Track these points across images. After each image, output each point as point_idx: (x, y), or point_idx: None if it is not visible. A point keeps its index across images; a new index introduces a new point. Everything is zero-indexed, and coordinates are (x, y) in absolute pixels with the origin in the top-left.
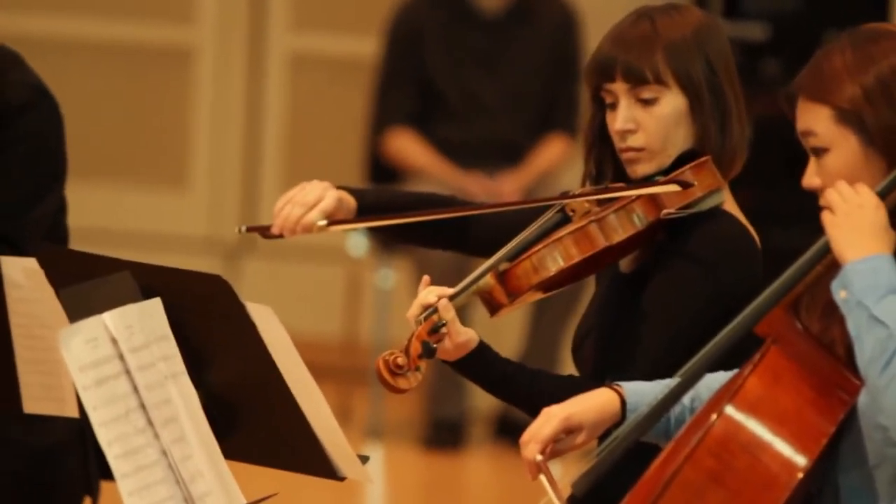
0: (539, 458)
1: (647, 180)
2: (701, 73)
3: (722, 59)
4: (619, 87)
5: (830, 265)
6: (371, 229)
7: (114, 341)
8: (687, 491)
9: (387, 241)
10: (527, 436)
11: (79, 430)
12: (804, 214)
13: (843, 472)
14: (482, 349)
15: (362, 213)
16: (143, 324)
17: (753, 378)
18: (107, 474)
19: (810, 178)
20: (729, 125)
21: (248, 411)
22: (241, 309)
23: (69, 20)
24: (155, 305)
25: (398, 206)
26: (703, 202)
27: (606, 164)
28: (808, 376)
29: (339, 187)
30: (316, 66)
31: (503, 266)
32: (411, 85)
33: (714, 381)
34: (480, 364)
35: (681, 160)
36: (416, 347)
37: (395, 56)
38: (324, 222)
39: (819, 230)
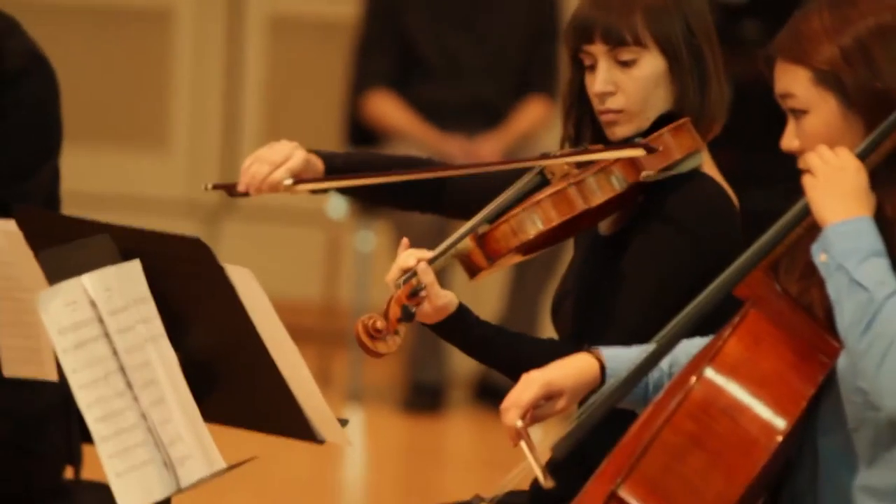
0: (520, 423)
1: (627, 142)
2: (680, 34)
3: (701, 21)
4: (597, 48)
5: (810, 227)
6: (344, 191)
7: (93, 304)
8: (667, 453)
9: (363, 203)
10: (507, 402)
11: (63, 398)
12: (783, 176)
13: (823, 434)
14: (462, 312)
15: (331, 174)
16: (122, 286)
17: (733, 341)
18: (88, 437)
19: (789, 140)
20: (708, 87)
21: (227, 374)
22: (221, 271)
23: None
24: (134, 268)
25: (368, 168)
26: (682, 164)
27: (585, 126)
28: (787, 339)
29: (310, 151)
30: (295, 27)
31: (482, 229)
32: (391, 47)
33: (692, 346)
34: (460, 327)
35: (660, 122)
36: (395, 311)
37: (374, 18)
38: (290, 181)
39: (798, 192)
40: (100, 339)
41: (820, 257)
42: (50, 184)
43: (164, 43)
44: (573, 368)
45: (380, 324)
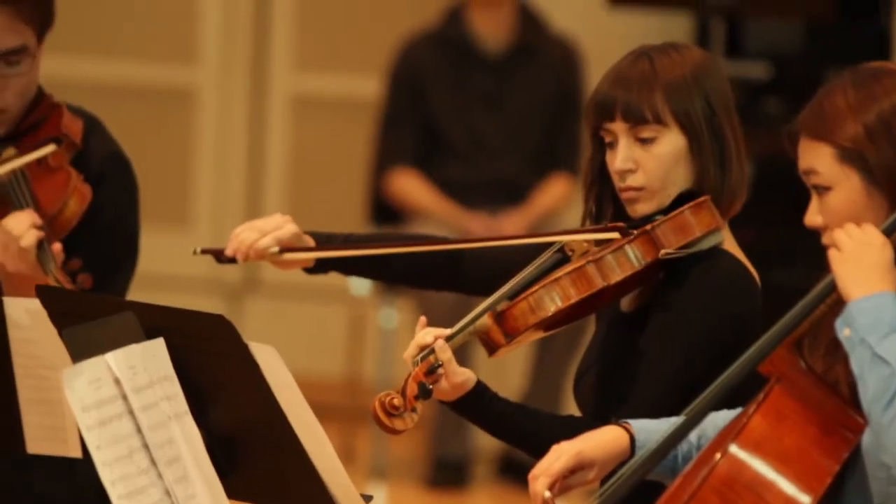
0: (548, 494)
1: (648, 220)
2: (700, 112)
3: (721, 99)
4: (618, 126)
5: (834, 304)
6: (349, 269)
7: (117, 381)
8: None
9: (376, 279)
10: (537, 470)
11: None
12: (806, 253)
13: None
14: (480, 389)
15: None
16: (146, 364)
17: (757, 417)
18: None
19: (812, 217)
20: (728, 164)
21: (251, 451)
22: (244, 349)
23: (71, 61)
24: (158, 345)
25: (364, 245)
26: (702, 242)
27: (606, 203)
28: (812, 415)
29: (307, 232)
30: (318, 106)
31: (501, 306)
32: (414, 125)
33: (720, 418)
34: (478, 404)
35: (680, 199)
36: (412, 388)
37: (397, 96)
38: (276, 249)
39: (821, 269)
40: (124, 416)
41: (844, 332)
42: (129, 284)
43: (187, 121)
44: (604, 440)
45: (397, 401)
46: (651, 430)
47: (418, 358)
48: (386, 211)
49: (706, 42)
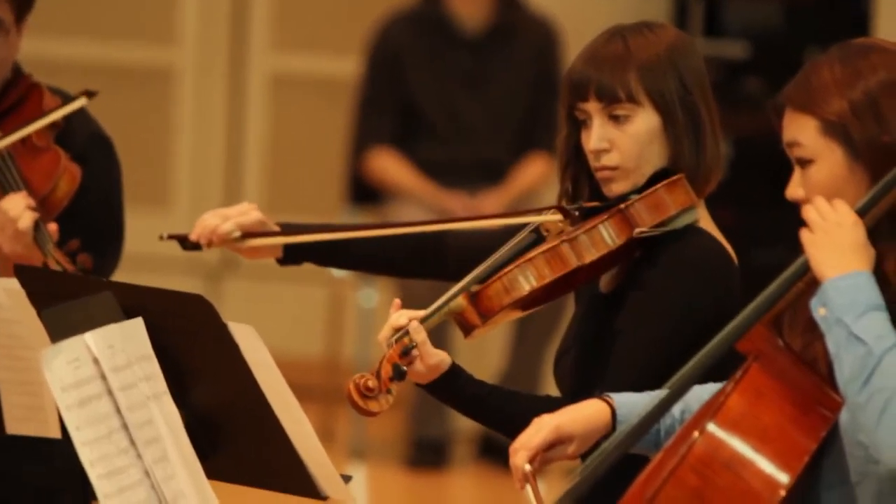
0: (528, 467)
1: (623, 199)
2: (674, 90)
3: (696, 77)
4: (592, 105)
5: (811, 282)
6: (324, 258)
7: (96, 361)
8: None
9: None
10: (516, 444)
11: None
12: (785, 232)
13: (826, 489)
14: (454, 371)
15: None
16: (125, 344)
17: (735, 395)
18: (94, 495)
19: (794, 190)
20: (703, 143)
21: (230, 431)
22: (224, 329)
23: (50, 41)
24: (137, 325)
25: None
26: (676, 220)
27: (582, 182)
28: (789, 393)
29: (279, 223)
30: (297, 86)
31: (475, 287)
32: (392, 104)
33: (704, 392)
34: (453, 386)
35: (655, 178)
36: (386, 370)
37: (375, 76)
38: (238, 234)
39: (799, 248)
40: (103, 396)
41: (819, 312)
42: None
43: (166, 101)
44: (584, 413)
45: (371, 383)
46: (633, 403)
47: (393, 340)
48: (365, 191)
49: (685, 21)
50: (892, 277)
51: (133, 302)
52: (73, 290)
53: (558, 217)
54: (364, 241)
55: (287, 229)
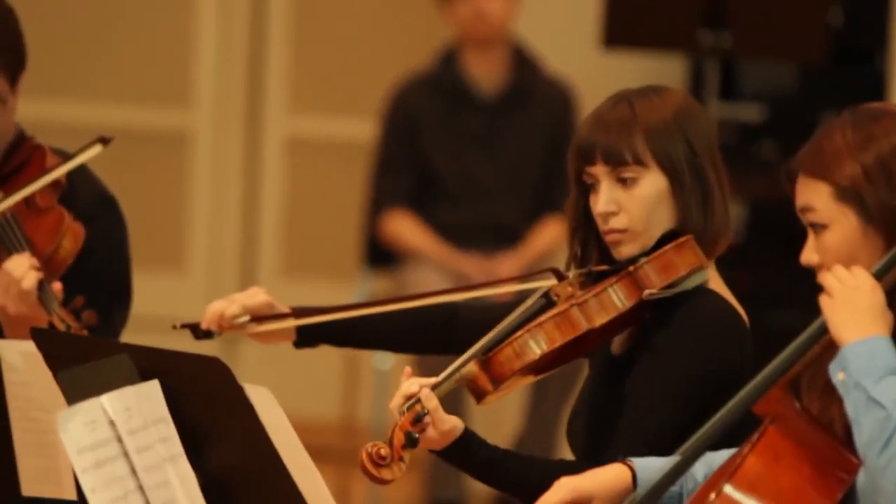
0: None
1: (632, 261)
2: (681, 153)
3: (703, 140)
4: (599, 169)
5: (828, 346)
6: (338, 339)
7: (112, 423)
8: None
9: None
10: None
11: None
12: (800, 295)
13: None
14: (468, 436)
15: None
16: (141, 406)
17: (752, 457)
18: None
19: (809, 255)
20: (711, 205)
21: (246, 493)
22: (239, 391)
23: (65, 105)
24: (153, 387)
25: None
26: (686, 281)
27: (591, 246)
28: (806, 455)
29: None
30: (313, 149)
31: (486, 353)
32: (408, 167)
33: (717, 458)
34: (466, 452)
35: (664, 240)
36: (399, 438)
37: (391, 139)
38: (246, 317)
39: (816, 311)
40: (119, 458)
41: (838, 376)
42: (124, 323)
43: (182, 164)
44: (605, 477)
45: (384, 451)
46: (654, 468)
47: (404, 408)
48: (381, 254)
49: (700, 84)
50: None
51: (149, 364)
52: (90, 352)
53: (553, 281)
54: (377, 319)
55: (298, 311)
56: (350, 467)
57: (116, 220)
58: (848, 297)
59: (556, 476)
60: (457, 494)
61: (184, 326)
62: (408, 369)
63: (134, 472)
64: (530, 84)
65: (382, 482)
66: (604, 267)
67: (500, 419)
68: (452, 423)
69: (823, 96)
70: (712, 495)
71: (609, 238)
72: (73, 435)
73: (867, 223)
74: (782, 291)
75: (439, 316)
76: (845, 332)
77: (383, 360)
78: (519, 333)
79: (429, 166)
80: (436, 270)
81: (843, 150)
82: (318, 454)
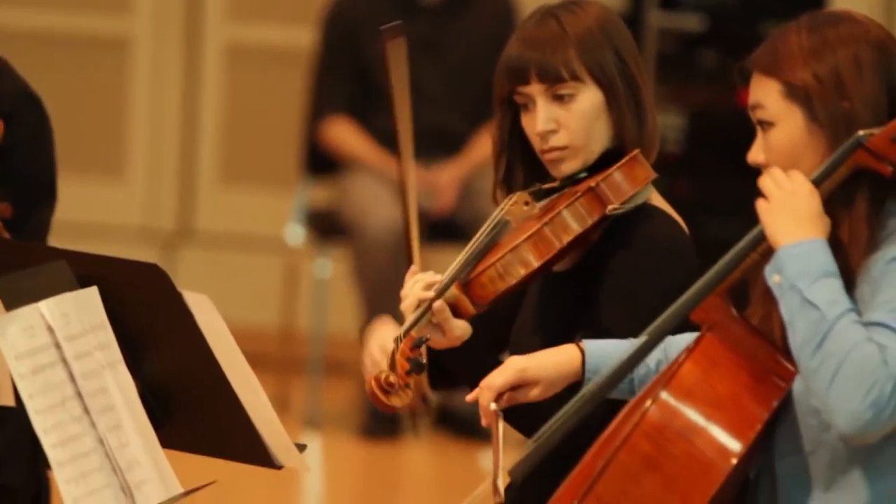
0: (493, 406)
1: (573, 178)
2: (613, 64)
3: (629, 49)
4: (534, 88)
5: (766, 253)
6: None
7: (50, 329)
8: (623, 475)
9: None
10: (482, 383)
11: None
12: (740, 204)
13: (780, 458)
14: (473, 343)
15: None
16: (80, 312)
17: (688, 364)
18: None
19: (755, 154)
20: (644, 115)
21: (185, 400)
22: (178, 298)
23: (3, 9)
24: (91, 294)
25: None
26: (639, 196)
27: (516, 169)
28: (743, 363)
29: None
30: (252, 56)
31: (466, 276)
32: (348, 74)
33: (683, 340)
34: (473, 355)
35: (605, 157)
36: (402, 365)
37: (331, 45)
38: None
39: (754, 219)
40: (57, 364)
41: (773, 279)
42: (49, 222)
43: (121, 71)
44: (554, 359)
45: (392, 378)
46: (608, 353)
47: (417, 319)
48: (321, 161)
49: None
50: (846, 245)
51: (88, 271)
52: (27, 258)
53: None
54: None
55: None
56: (289, 375)
57: (39, 117)
58: (784, 201)
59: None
60: None
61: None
62: (413, 268)
63: (72, 378)
64: None
65: (391, 409)
66: (554, 184)
67: None
68: (463, 329)
69: (764, 6)
70: (648, 402)
71: (549, 157)
72: (10, 341)
73: (813, 123)
74: (721, 201)
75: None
76: (781, 235)
77: (323, 268)
78: (500, 255)
79: (369, 72)
80: (376, 178)
81: (796, 50)
82: (258, 361)
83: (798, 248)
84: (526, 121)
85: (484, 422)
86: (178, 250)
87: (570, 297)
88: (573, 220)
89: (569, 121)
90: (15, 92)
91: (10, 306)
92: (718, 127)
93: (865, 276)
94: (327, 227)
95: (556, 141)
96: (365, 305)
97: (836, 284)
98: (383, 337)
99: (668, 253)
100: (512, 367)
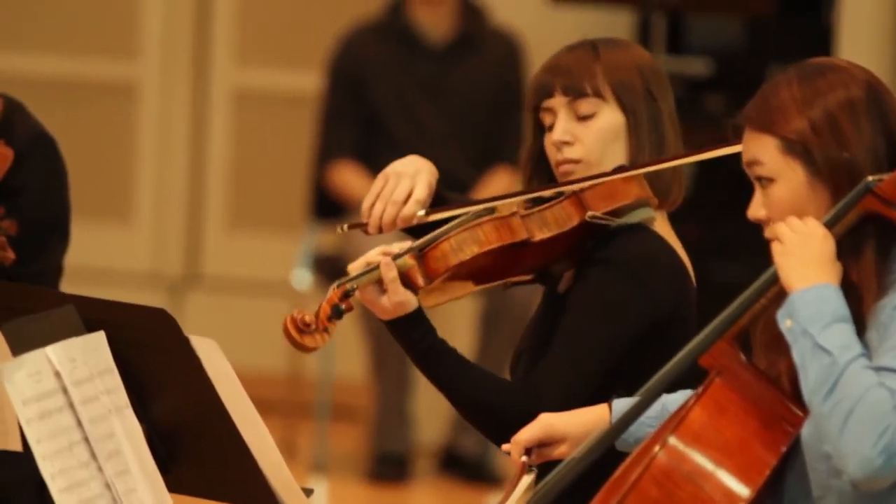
0: (524, 458)
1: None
2: (640, 93)
3: (663, 93)
4: (557, 101)
5: (776, 298)
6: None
7: (57, 375)
8: None
9: None
10: (515, 436)
11: (35, 472)
12: (747, 249)
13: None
14: (417, 316)
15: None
16: (87, 357)
17: (697, 409)
18: None
19: (756, 210)
20: (664, 148)
21: (192, 445)
22: (185, 343)
23: (12, 55)
24: (98, 339)
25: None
26: (631, 214)
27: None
28: (751, 408)
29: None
30: (260, 100)
31: (422, 248)
32: (355, 118)
33: (675, 400)
34: (413, 330)
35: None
36: (325, 310)
37: (338, 89)
38: (422, 212)
39: (762, 264)
40: (64, 409)
41: (785, 323)
42: (62, 262)
43: (129, 115)
44: (583, 418)
45: (308, 318)
46: (625, 409)
47: (361, 274)
48: (328, 205)
49: (647, 38)
50: (855, 290)
51: (95, 315)
52: (35, 303)
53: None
54: None
55: (460, 200)
56: (296, 420)
57: (52, 159)
58: (800, 245)
59: (491, 389)
60: (402, 446)
61: (352, 227)
62: (382, 247)
63: (79, 423)
64: (478, 33)
65: (304, 349)
66: (553, 191)
67: None
68: (406, 297)
69: (770, 49)
70: (657, 447)
71: (562, 169)
72: (18, 386)
73: (814, 177)
74: (729, 245)
75: None
76: (794, 279)
77: None
78: (456, 231)
79: (375, 116)
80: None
81: (789, 104)
82: (265, 407)
83: (811, 294)
84: (547, 138)
85: (516, 478)
86: (185, 295)
87: (559, 314)
88: (552, 221)
89: (586, 136)
90: (30, 133)
91: (17, 351)
92: (725, 171)
93: (874, 322)
94: (334, 271)
95: (570, 153)
96: (372, 350)
97: (848, 330)
98: (379, 250)
99: (637, 269)
100: (539, 423)
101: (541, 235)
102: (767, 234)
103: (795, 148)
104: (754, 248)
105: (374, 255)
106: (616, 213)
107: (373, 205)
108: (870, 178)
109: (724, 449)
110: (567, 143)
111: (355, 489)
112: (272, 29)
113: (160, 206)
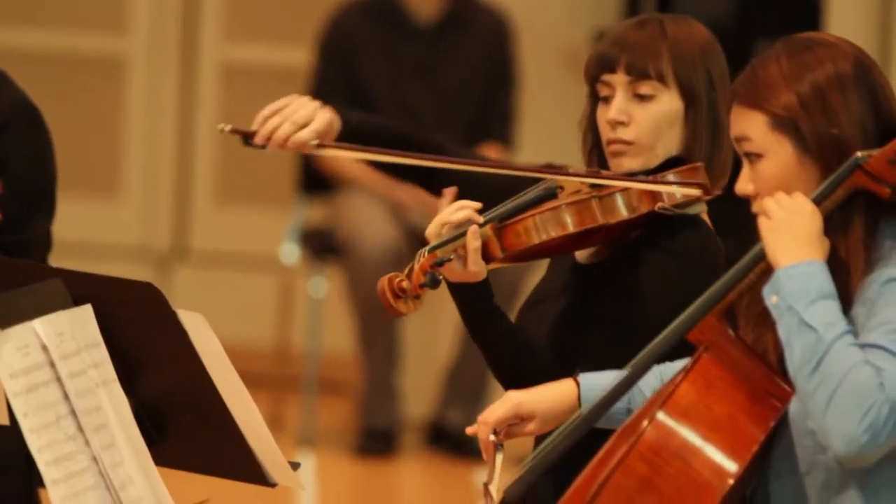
0: (492, 438)
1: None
2: (702, 82)
3: (722, 78)
4: (618, 78)
5: (764, 274)
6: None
7: (44, 348)
8: (619, 496)
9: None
10: (480, 417)
11: (22, 446)
12: (737, 224)
13: (775, 479)
14: (486, 283)
15: (347, 137)
16: (74, 331)
17: (685, 385)
18: (41, 482)
19: (744, 184)
20: (720, 141)
21: (179, 418)
22: (173, 316)
23: (1, 30)
24: (86, 312)
25: (383, 138)
26: (693, 206)
27: (593, 158)
28: (739, 383)
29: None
30: (248, 75)
31: (503, 221)
32: (343, 94)
33: (672, 369)
34: (478, 296)
35: (667, 164)
36: (418, 277)
37: (327, 65)
38: (315, 142)
39: (751, 240)
40: (51, 383)
41: (771, 299)
42: (48, 232)
43: (117, 90)
44: (550, 394)
45: (405, 284)
46: (598, 385)
47: (447, 240)
48: (316, 181)
49: (636, 12)
50: (842, 267)
51: (82, 289)
52: (22, 276)
53: (698, 192)
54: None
55: (348, 126)
56: (284, 394)
57: (34, 127)
58: (787, 221)
59: (534, 369)
60: (389, 421)
61: (234, 131)
62: (451, 189)
63: (66, 397)
64: (467, 11)
65: (397, 314)
66: (703, 183)
67: (434, 347)
68: (481, 268)
69: (759, 24)
70: (645, 422)
71: (612, 148)
72: (5, 359)
73: (803, 152)
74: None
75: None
76: (781, 255)
77: (318, 287)
78: (541, 209)
79: (364, 93)
80: (370, 197)
81: (778, 79)
82: (252, 380)
83: (797, 270)
84: (601, 111)
85: (485, 456)
86: (172, 269)
87: (591, 289)
88: (623, 206)
89: (642, 118)
90: (12, 102)
91: (4, 325)
92: None
93: (861, 298)
94: (322, 245)
95: (623, 133)
96: (359, 324)
97: (833, 306)
98: (463, 206)
99: (698, 263)
100: (507, 401)
101: (614, 220)
102: (755, 208)
103: (784, 123)
104: (744, 224)
105: (450, 215)
106: (682, 205)
107: (269, 118)
108: (859, 153)
109: (713, 424)
110: (622, 123)
111: (342, 463)
112: (261, 4)
113: (148, 180)
